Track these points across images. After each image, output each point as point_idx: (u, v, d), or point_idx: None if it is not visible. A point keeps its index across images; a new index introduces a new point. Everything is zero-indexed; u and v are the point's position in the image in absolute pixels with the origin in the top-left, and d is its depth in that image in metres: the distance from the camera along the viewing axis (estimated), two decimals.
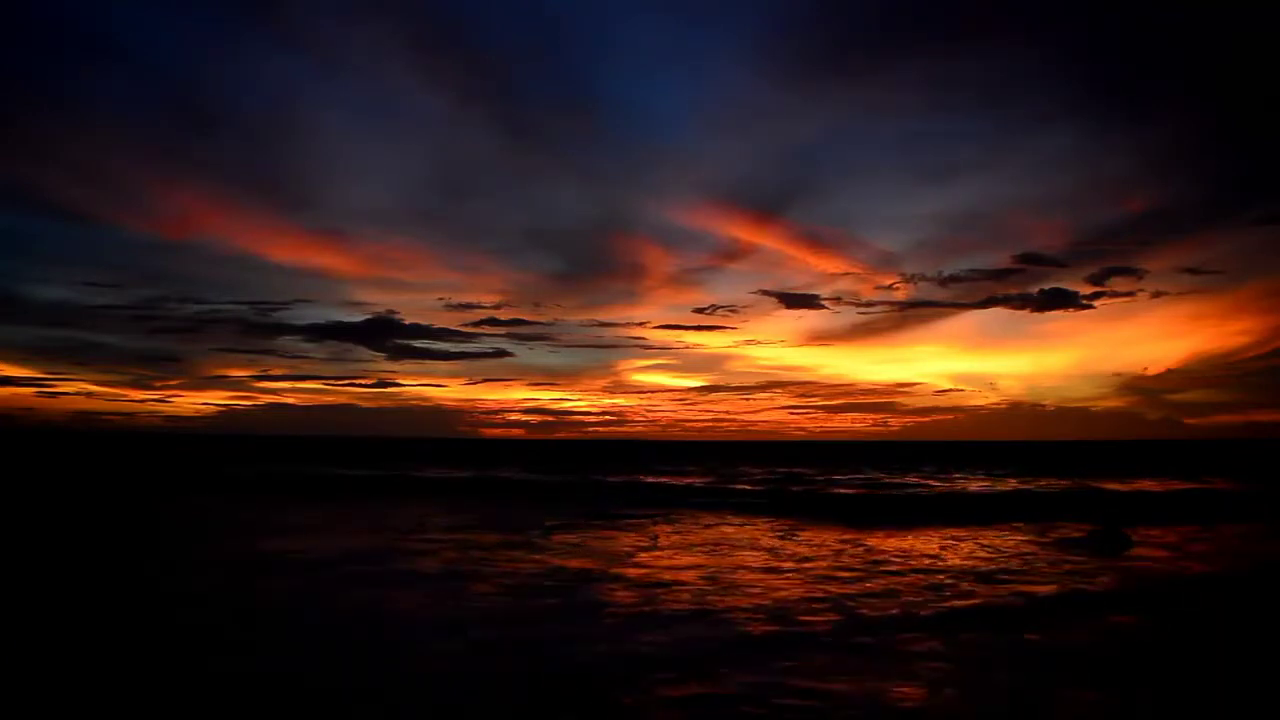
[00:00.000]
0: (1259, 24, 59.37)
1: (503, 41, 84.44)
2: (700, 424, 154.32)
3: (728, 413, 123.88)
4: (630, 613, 9.58)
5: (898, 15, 79.59)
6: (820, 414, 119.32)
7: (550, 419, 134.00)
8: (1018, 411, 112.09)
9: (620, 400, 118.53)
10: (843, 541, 16.66)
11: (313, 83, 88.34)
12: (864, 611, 9.70)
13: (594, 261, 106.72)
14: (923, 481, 37.18)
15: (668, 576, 12.12)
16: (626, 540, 16.90)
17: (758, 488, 33.40)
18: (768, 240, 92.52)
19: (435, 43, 79.76)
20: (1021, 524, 20.07)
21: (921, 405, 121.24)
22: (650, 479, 39.25)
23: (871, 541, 16.72)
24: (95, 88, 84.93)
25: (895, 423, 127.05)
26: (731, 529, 19.36)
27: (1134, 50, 73.84)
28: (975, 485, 35.36)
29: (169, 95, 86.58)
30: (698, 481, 37.45)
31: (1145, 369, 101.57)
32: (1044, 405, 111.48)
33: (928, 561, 13.96)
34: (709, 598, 10.52)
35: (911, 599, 10.51)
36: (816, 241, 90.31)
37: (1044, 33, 74.48)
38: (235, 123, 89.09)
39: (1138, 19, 70.43)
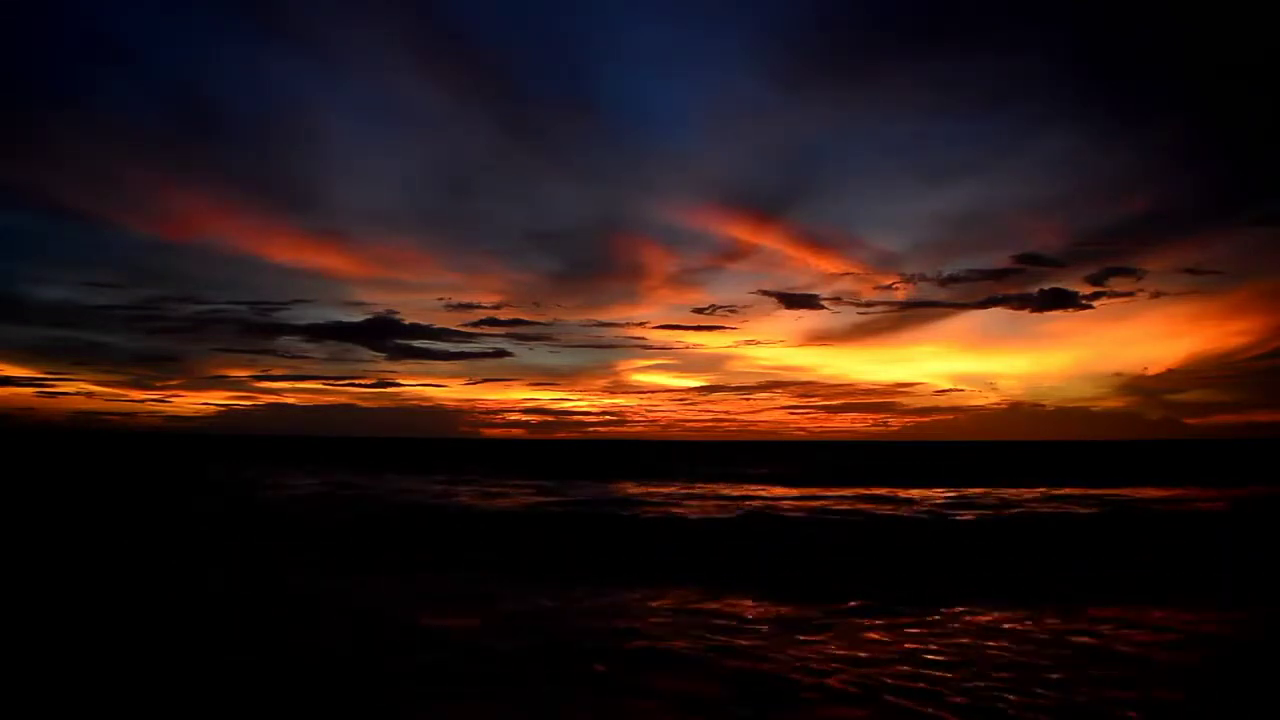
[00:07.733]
0: (1259, 24, 59.81)
1: (503, 41, 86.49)
2: (700, 424, 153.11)
3: (728, 413, 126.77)
4: None
5: (898, 17, 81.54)
6: (820, 414, 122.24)
7: (550, 419, 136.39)
8: (1018, 411, 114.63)
9: (620, 400, 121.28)
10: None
11: (314, 83, 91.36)
12: None
13: (594, 261, 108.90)
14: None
15: None
16: None
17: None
18: (768, 240, 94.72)
19: (435, 43, 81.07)
20: None
21: (921, 405, 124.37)
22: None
23: None
24: (97, 89, 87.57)
25: (895, 423, 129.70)
26: None
27: (1133, 51, 74.63)
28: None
29: (171, 96, 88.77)
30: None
31: (1145, 369, 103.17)
32: (1044, 405, 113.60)
33: None
34: None
35: None
36: (816, 241, 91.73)
37: (1044, 34, 75.69)
38: (236, 123, 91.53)
39: (1137, 20, 71.07)
